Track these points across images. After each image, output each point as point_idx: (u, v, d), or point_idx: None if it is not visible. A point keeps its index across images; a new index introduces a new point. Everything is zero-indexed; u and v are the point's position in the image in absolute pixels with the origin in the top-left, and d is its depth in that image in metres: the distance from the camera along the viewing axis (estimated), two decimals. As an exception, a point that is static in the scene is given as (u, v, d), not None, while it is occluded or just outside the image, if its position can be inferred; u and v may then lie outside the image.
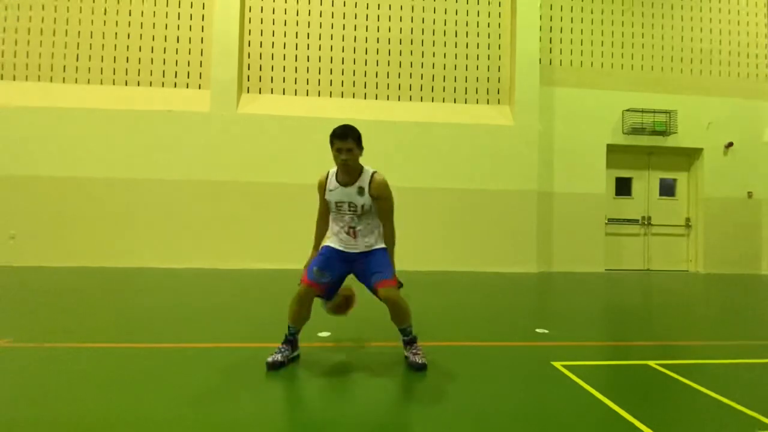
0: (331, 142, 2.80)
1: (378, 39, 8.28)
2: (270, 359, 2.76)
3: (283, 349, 2.84)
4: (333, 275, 2.84)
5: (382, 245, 2.95)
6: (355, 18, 8.24)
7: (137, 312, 4.30)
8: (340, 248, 2.91)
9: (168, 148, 7.56)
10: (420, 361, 2.79)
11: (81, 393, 2.36)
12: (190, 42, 7.94)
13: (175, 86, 7.89)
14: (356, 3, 8.23)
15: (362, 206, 2.83)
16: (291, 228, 7.63)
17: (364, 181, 2.83)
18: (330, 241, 2.97)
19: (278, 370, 2.74)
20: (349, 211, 2.85)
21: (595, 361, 3.15)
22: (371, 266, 2.84)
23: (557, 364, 2.92)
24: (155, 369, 2.73)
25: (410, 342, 2.89)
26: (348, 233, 2.89)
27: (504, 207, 8.12)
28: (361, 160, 2.93)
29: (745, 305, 5.67)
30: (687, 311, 5.25)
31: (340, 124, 2.85)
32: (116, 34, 7.82)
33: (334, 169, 2.94)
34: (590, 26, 8.78)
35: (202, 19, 7.96)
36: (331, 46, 8.18)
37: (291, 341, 2.89)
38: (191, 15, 7.97)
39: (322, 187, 2.94)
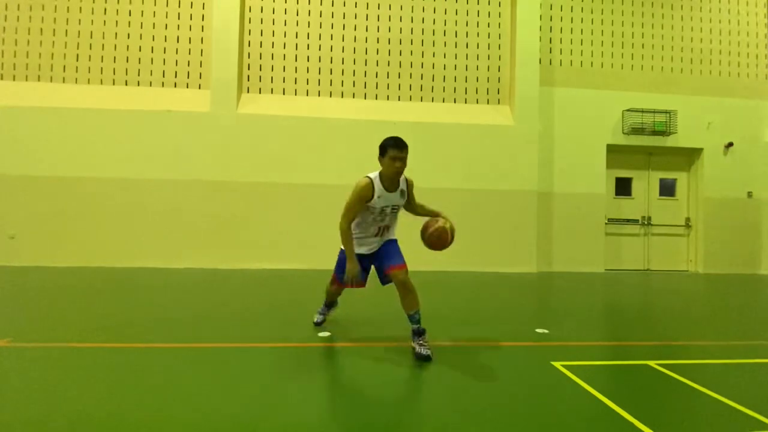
0: (385, 151, 3.09)
1: (378, 39, 8.28)
2: (315, 320, 3.80)
3: (323, 311, 3.81)
4: (361, 274, 3.22)
5: (394, 237, 3.39)
6: (355, 18, 8.24)
7: (137, 312, 4.30)
8: (366, 252, 3.28)
9: (168, 148, 7.56)
10: (425, 353, 3.03)
11: (81, 393, 2.36)
12: (190, 42, 7.94)
13: (175, 86, 7.89)
14: (356, 3, 8.23)
15: (400, 206, 3.28)
16: (291, 228, 7.65)
17: (403, 184, 3.23)
18: (356, 248, 3.25)
19: (321, 326, 3.74)
20: (390, 213, 3.23)
21: (595, 361, 3.15)
22: (386, 254, 3.24)
23: (557, 364, 2.92)
24: (155, 369, 2.73)
25: (418, 333, 3.13)
26: (378, 234, 3.26)
27: (504, 207, 8.12)
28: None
29: (745, 305, 5.67)
30: (687, 311, 5.25)
31: (392, 136, 3.15)
32: (116, 34, 7.82)
33: (373, 174, 3.15)
34: (590, 26, 8.78)
35: (202, 19, 7.96)
36: (331, 46, 8.18)
37: (329, 305, 3.81)
38: (191, 15, 7.96)
39: (370, 193, 3.09)
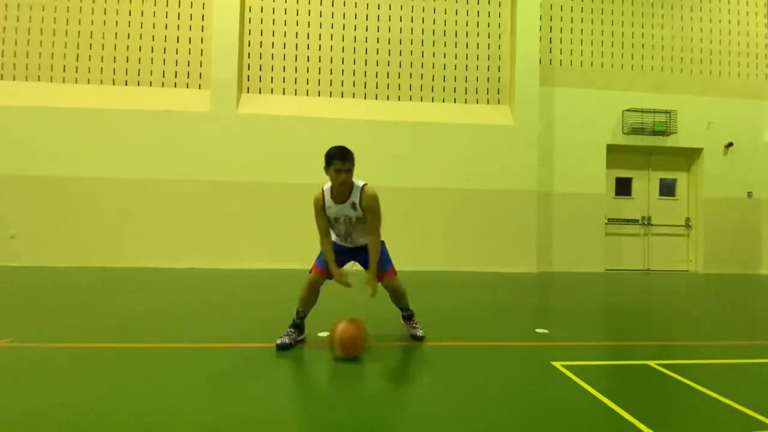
0: (329, 162, 3.00)
1: (378, 39, 8.28)
2: (279, 341, 3.11)
3: (290, 332, 3.19)
4: (340, 264, 3.22)
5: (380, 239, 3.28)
6: (355, 18, 8.24)
7: (137, 312, 4.30)
8: (343, 244, 3.28)
9: (168, 148, 7.57)
10: (420, 334, 3.39)
11: (81, 393, 2.35)
12: (190, 42, 7.94)
13: (175, 86, 7.89)
14: (356, 3, 8.23)
15: (357, 218, 3.13)
16: (291, 228, 7.64)
17: (355, 196, 3.08)
18: (333, 238, 3.29)
19: (286, 350, 3.08)
20: (344, 223, 3.16)
21: (595, 361, 3.15)
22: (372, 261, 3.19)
23: (557, 364, 2.92)
24: (155, 369, 2.73)
25: (409, 317, 3.46)
26: (346, 239, 3.25)
27: (504, 207, 8.12)
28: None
29: (745, 305, 5.67)
30: (687, 311, 5.25)
31: (335, 146, 3.04)
32: (116, 34, 7.82)
33: (326, 186, 3.14)
34: (590, 26, 8.78)
35: (202, 19, 7.96)
36: (331, 46, 8.18)
37: (298, 325, 3.22)
38: (191, 15, 7.97)
39: (321, 205, 3.12)
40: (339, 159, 2.96)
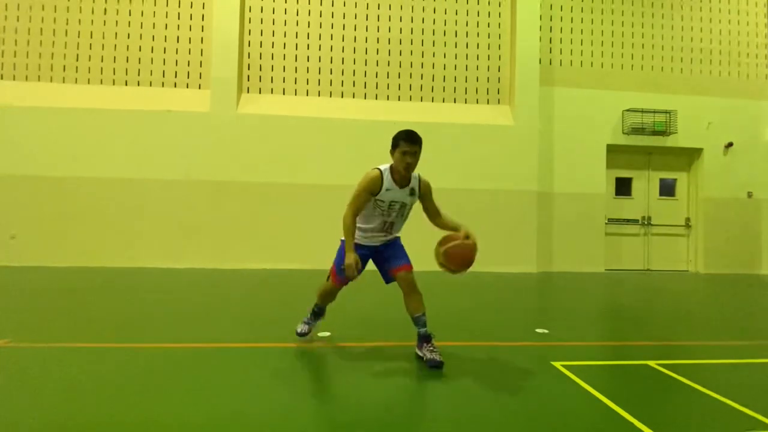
0: (397, 144, 2.94)
1: (378, 39, 8.28)
2: (299, 330, 3.38)
3: (309, 321, 3.40)
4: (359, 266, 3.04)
5: (398, 235, 3.26)
6: (355, 18, 8.24)
7: (137, 312, 4.30)
8: (365, 243, 3.10)
9: (168, 148, 7.56)
10: (438, 359, 2.89)
11: (81, 393, 2.36)
12: (190, 42, 7.94)
13: (175, 86, 7.89)
14: (356, 3, 8.23)
15: (410, 205, 3.13)
16: (291, 228, 7.65)
17: (414, 183, 3.08)
18: (359, 240, 3.08)
19: (305, 337, 3.36)
20: (398, 209, 3.06)
21: (595, 361, 3.15)
22: (392, 254, 3.12)
23: (557, 364, 2.92)
24: (155, 369, 2.73)
25: (426, 339, 3.00)
26: (384, 229, 3.10)
27: (504, 207, 8.12)
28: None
29: (745, 305, 5.67)
30: (687, 311, 5.25)
31: (405, 129, 3.01)
32: (116, 34, 7.82)
33: (384, 167, 3.02)
34: (590, 26, 8.78)
35: (202, 19, 7.96)
36: (331, 46, 8.18)
37: (317, 313, 3.41)
38: (191, 15, 7.97)
39: (378, 185, 2.95)
40: (406, 141, 2.91)
